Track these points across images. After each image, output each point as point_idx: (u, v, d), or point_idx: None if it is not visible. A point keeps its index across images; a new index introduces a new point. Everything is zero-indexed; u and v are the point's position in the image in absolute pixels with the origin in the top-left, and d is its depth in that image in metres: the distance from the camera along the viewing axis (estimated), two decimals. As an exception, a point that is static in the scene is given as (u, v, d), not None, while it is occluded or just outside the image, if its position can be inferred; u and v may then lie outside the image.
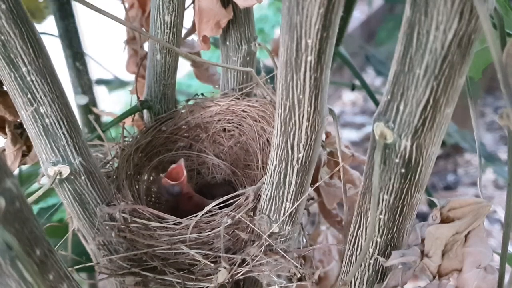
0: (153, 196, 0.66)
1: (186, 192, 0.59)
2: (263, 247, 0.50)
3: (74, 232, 0.59)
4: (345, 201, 0.55)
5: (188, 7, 0.61)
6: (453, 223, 0.42)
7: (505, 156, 1.70)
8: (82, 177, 0.52)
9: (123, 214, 0.52)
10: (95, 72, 0.92)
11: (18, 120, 0.58)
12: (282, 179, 0.47)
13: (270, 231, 0.50)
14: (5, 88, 0.49)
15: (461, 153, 1.96)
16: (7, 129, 0.58)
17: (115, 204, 0.53)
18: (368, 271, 0.45)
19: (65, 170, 0.50)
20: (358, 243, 0.45)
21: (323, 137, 0.58)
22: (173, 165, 0.59)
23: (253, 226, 0.50)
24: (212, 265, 0.50)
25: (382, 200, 0.40)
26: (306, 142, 0.43)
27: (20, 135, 0.59)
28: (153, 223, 0.51)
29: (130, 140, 0.64)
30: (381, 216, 0.41)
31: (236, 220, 0.50)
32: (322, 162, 0.60)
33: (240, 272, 0.50)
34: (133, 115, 0.67)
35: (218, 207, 0.51)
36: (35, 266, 0.34)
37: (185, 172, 0.58)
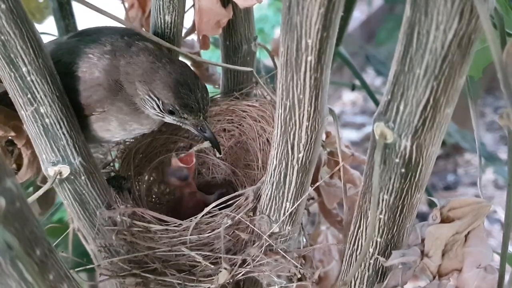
0: (154, 196, 0.66)
1: (191, 182, 0.59)
2: (263, 247, 0.50)
3: (75, 232, 0.59)
4: (345, 201, 0.55)
5: (189, 9, 0.61)
6: (453, 223, 0.42)
7: (505, 156, 1.70)
8: (82, 177, 0.52)
9: (123, 218, 0.52)
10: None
11: (10, 136, 0.56)
12: (282, 179, 0.47)
13: (270, 231, 0.50)
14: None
15: (461, 153, 1.95)
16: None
17: (115, 208, 0.53)
18: (368, 271, 0.45)
19: (65, 170, 0.50)
20: (358, 243, 0.45)
21: (323, 137, 0.58)
22: (183, 154, 0.60)
23: (253, 227, 0.50)
24: (213, 266, 0.50)
25: (382, 200, 0.40)
26: (306, 142, 0.43)
27: (11, 152, 0.58)
28: (154, 226, 0.51)
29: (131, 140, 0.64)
30: (381, 216, 0.41)
31: (236, 221, 0.50)
32: (322, 162, 0.60)
33: (240, 272, 0.50)
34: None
35: (218, 208, 0.51)
36: (35, 266, 0.34)
37: (194, 159, 0.59)
